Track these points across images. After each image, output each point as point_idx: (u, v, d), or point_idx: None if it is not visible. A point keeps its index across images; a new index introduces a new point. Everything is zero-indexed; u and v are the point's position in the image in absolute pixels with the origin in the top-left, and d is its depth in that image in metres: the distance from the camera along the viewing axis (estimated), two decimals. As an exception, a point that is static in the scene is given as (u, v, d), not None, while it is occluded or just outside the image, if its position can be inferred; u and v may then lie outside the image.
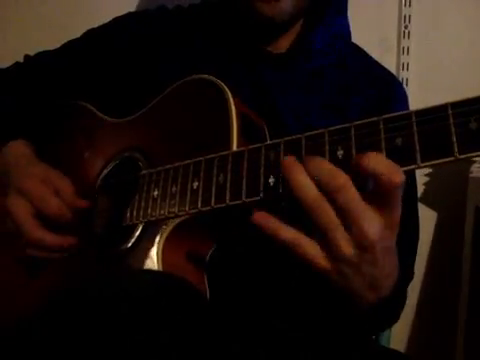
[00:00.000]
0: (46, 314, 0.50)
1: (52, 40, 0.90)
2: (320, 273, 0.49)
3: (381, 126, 0.47)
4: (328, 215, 0.46)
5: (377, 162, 0.45)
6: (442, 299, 1.26)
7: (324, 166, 0.47)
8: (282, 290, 0.70)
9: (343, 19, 0.81)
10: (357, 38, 0.86)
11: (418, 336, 1.28)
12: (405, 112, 0.46)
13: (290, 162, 0.48)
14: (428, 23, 1.25)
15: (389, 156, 0.46)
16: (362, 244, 0.46)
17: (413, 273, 0.78)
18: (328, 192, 0.46)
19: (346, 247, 0.46)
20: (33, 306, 0.68)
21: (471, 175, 1.18)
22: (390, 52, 1.23)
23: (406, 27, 1.24)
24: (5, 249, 0.78)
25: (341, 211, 0.46)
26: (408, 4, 1.24)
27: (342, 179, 0.45)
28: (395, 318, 0.74)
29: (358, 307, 0.52)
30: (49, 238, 0.67)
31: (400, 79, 1.21)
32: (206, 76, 0.66)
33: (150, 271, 0.59)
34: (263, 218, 0.49)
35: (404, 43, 1.24)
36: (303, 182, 0.47)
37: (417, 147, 0.44)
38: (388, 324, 0.78)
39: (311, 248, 0.48)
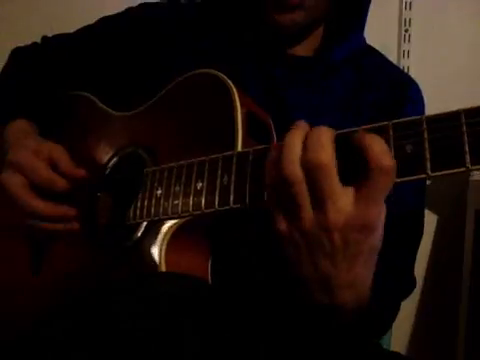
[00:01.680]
0: (72, 315, 0.51)
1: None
2: (278, 237, 0.49)
3: (391, 132, 0.46)
4: (301, 192, 0.46)
5: (375, 141, 0.45)
6: (443, 302, 1.26)
7: (320, 138, 0.46)
8: (282, 289, 0.70)
9: (362, 33, 0.81)
10: (358, 42, 0.86)
11: (419, 339, 1.29)
12: (415, 118, 0.45)
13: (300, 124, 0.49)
14: (428, 26, 1.25)
15: (398, 164, 0.45)
16: (320, 222, 0.46)
17: (413, 283, 0.77)
18: (308, 164, 0.46)
19: (305, 223, 0.47)
20: (36, 303, 0.69)
21: (471, 178, 1.18)
22: (390, 55, 1.23)
23: (406, 30, 1.24)
24: (7, 243, 0.78)
25: (314, 188, 0.46)
26: (408, 7, 1.24)
27: (325, 156, 0.45)
28: (376, 333, 0.73)
29: (308, 304, 0.51)
30: (43, 206, 0.67)
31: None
32: (211, 71, 0.64)
33: (171, 273, 0.59)
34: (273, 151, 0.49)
35: (404, 46, 1.24)
36: (295, 149, 0.47)
37: (427, 155, 0.44)
38: (369, 336, 0.75)
39: (281, 207, 0.48)
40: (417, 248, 0.76)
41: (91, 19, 0.88)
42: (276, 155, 0.48)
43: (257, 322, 0.57)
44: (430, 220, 1.25)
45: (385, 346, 0.88)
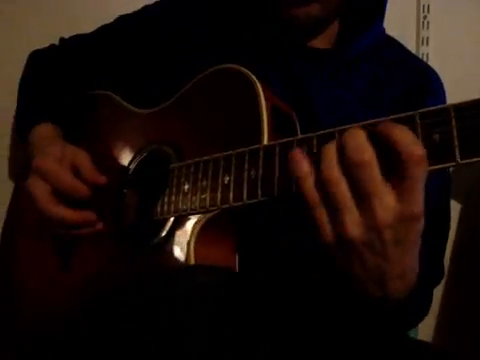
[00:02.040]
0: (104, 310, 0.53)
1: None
2: (323, 245, 0.48)
3: (418, 121, 0.47)
4: (343, 194, 0.46)
5: (403, 133, 0.44)
6: (468, 292, 1.25)
7: (357, 138, 0.45)
8: (307, 284, 0.70)
9: (381, 23, 0.81)
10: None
11: (444, 330, 1.28)
12: (443, 106, 0.45)
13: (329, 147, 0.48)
14: (447, 13, 1.23)
15: (427, 152, 0.45)
16: (369, 225, 0.45)
17: (442, 271, 0.77)
18: (350, 165, 0.45)
19: (352, 228, 0.46)
20: (66, 301, 0.71)
21: (495, 165, 1.16)
22: (409, 43, 1.22)
23: (425, 17, 1.23)
24: (36, 242, 0.79)
25: (357, 188, 0.45)
26: (426, -6, 1.23)
27: (367, 155, 0.45)
28: (414, 322, 0.73)
29: (360, 299, 0.51)
30: (67, 213, 0.68)
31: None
32: (234, 66, 0.65)
33: (204, 266, 0.60)
34: (302, 157, 0.48)
35: (423, 33, 1.23)
36: (331, 154, 0.46)
37: (456, 143, 0.44)
38: (407, 326, 0.75)
39: (324, 215, 0.47)
40: (447, 236, 0.77)
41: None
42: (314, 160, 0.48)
43: (285, 312, 0.57)
44: (454, 208, 1.23)
45: (412, 335, 0.87)
